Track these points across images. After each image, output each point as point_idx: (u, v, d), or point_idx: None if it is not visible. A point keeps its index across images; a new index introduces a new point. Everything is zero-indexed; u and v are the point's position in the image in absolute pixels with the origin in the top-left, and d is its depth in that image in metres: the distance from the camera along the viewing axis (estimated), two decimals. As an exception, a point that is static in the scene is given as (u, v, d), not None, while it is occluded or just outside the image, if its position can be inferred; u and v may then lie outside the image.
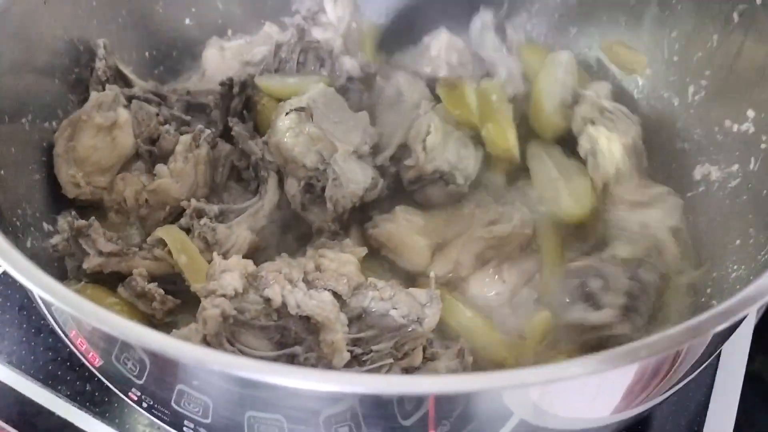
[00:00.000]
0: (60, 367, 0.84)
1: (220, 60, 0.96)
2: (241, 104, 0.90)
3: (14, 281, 0.87)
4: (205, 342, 0.59)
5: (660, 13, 0.94)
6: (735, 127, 0.84)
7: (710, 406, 0.83)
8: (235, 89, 0.89)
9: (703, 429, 0.81)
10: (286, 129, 0.79)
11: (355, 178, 0.78)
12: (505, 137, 0.85)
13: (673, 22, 0.93)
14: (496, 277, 0.78)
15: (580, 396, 0.57)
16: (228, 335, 0.60)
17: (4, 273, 0.89)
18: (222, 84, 0.89)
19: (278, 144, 0.80)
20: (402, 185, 0.86)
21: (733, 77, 0.85)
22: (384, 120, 0.89)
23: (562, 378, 0.49)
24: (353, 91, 0.93)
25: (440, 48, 0.97)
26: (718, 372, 0.87)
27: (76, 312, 0.54)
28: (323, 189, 0.78)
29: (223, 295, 0.63)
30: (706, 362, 0.66)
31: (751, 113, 0.81)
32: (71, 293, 0.55)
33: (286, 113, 0.80)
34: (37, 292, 0.57)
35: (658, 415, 0.82)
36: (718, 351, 0.74)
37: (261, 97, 0.90)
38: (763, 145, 0.79)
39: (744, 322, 0.57)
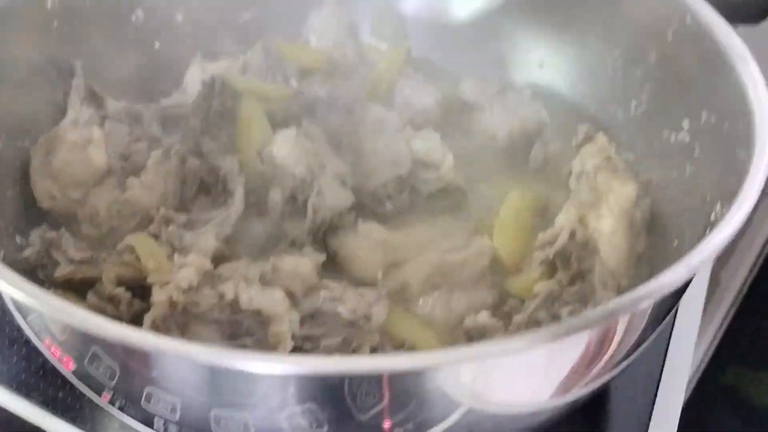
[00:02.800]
0: (33, 375, 0.87)
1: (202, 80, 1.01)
2: (220, 104, 0.94)
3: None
4: (155, 326, 0.63)
5: (603, 32, 1.00)
6: (672, 137, 0.89)
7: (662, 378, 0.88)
8: (217, 87, 0.94)
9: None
10: (284, 139, 0.86)
11: (338, 196, 0.84)
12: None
13: (616, 41, 0.99)
14: (443, 303, 0.80)
15: (521, 375, 0.61)
16: (179, 324, 0.64)
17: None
18: (204, 84, 0.94)
19: (272, 153, 0.85)
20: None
21: (668, 90, 0.91)
22: (370, 146, 0.93)
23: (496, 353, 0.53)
24: (329, 113, 0.98)
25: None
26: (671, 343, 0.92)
27: (43, 307, 0.58)
28: (305, 202, 0.83)
29: (177, 287, 0.67)
30: (651, 336, 0.71)
31: (685, 124, 0.87)
32: (38, 289, 0.59)
33: (288, 128, 0.87)
34: (8, 291, 0.61)
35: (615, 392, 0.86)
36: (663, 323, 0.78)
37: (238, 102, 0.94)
38: (696, 153, 0.85)
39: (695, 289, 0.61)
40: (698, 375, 1.13)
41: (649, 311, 0.64)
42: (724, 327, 1.43)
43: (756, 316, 1.42)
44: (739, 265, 1.31)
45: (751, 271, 1.31)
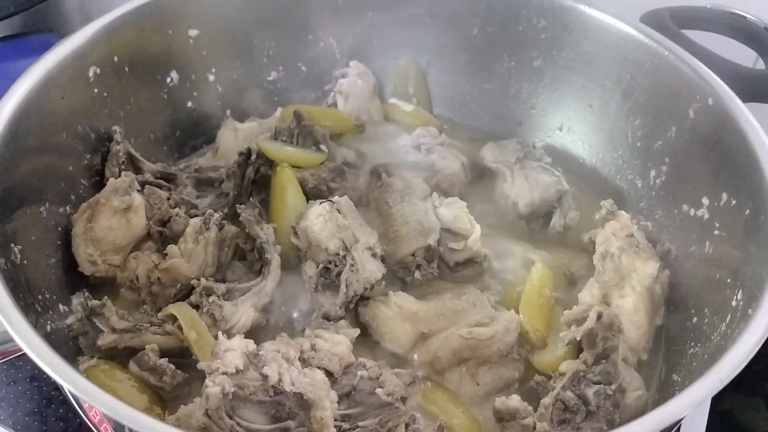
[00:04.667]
0: (70, 436, 0.90)
1: (233, 139, 1.06)
2: (254, 173, 0.99)
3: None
4: (207, 416, 0.66)
5: (624, 102, 1.03)
6: (692, 212, 0.92)
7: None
8: (253, 157, 0.98)
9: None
10: (317, 215, 0.89)
11: (370, 268, 0.87)
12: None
13: (636, 112, 1.02)
14: (470, 377, 0.83)
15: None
16: (228, 409, 0.67)
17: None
18: (240, 153, 0.98)
19: (307, 228, 0.88)
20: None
21: (688, 166, 0.94)
22: (398, 212, 0.96)
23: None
24: (358, 177, 1.02)
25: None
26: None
27: (94, 401, 0.61)
28: (338, 275, 0.86)
29: (225, 373, 0.70)
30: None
31: (705, 201, 0.90)
32: (80, 377, 0.62)
33: (320, 203, 0.90)
34: (56, 379, 0.63)
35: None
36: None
37: (273, 169, 0.98)
38: (716, 231, 0.87)
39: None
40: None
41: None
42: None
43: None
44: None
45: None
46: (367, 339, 0.87)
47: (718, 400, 1.48)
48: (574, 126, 1.11)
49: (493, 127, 1.15)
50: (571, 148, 1.12)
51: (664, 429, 0.66)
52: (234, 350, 0.70)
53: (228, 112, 1.13)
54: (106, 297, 0.84)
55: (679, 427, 0.93)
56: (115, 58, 0.97)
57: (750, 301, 0.72)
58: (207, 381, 0.67)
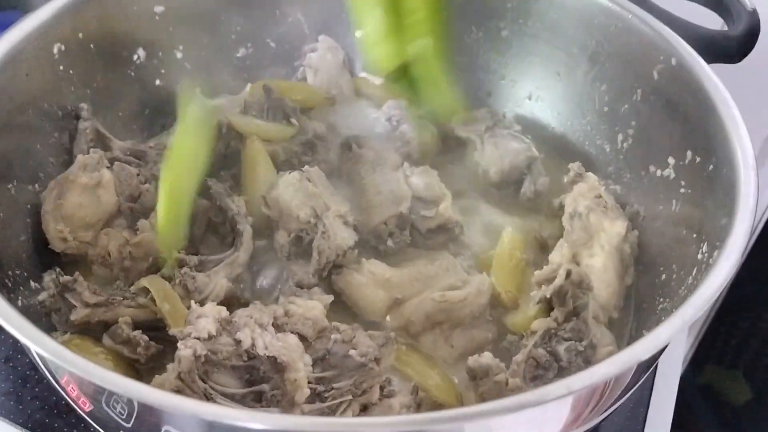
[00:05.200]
0: (47, 414, 0.89)
1: (203, 117, 1.04)
2: (225, 146, 0.99)
3: (-1, 335, 0.94)
4: (179, 379, 0.66)
5: (590, 68, 1.04)
6: (658, 172, 0.94)
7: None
8: (223, 131, 0.98)
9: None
10: (287, 184, 0.89)
11: (342, 236, 0.88)
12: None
13: (602, 77, 1.03)
14: (444, 340, 0.84)
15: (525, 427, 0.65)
16: (201, 374, 0.67)
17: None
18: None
19: (277, 197, 0.89)
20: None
21: (654, 127, 0.95)
22: (370, 182, 0.97)
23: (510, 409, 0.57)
24: (329, 150, 1.02)
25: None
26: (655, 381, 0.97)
27: (69, 366, 0.61)
28: (310, 243, 0.87)
29: (197, 338, 0.70)
30: (640, 381, 0.75)
31: (671, 160, 0.91)
32: (63, 349, 0.62)
33: (290, 173, 0.90)
34: (32, 347, 0.63)
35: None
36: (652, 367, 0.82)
37: (243, 143, 0.98)
38: (682, 189, 0.89)
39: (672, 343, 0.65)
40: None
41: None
42: (704, 329, 1.49)
43: (731, 317, 1.47)
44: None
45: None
46: (341, 307, 0.87)
47: (698, 373, 1.51)
48: (543, 94, 1.12)
49: (463, 98, 1.15)
50: (540, 117, 1.13)
51: (633, 375, 0.68)
52: (206, 316, 0.71)
53: (197, 89, 1.12)
54: (77, 273, 0.84)
55: (648, 403, 0.95)
56: (80, 35, 0.96)
57: (712, 251, 0.73)
58: (179, 344, 0.68)
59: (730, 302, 1.40)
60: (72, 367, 0.61)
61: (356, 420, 0.69)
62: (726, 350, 1.55)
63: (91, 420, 0.75)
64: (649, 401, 0.94)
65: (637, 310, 0.91)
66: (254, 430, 0.57)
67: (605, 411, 0.71)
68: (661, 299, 0.85)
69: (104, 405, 0.68)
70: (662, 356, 0.95)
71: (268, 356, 0.70)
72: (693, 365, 1.54)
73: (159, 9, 1.04)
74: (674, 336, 0.61)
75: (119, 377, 0.59)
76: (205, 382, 0.68)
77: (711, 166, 0.82)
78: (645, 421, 0.92)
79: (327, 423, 0.58)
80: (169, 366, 0.68)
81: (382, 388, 0.74)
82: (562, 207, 0.96)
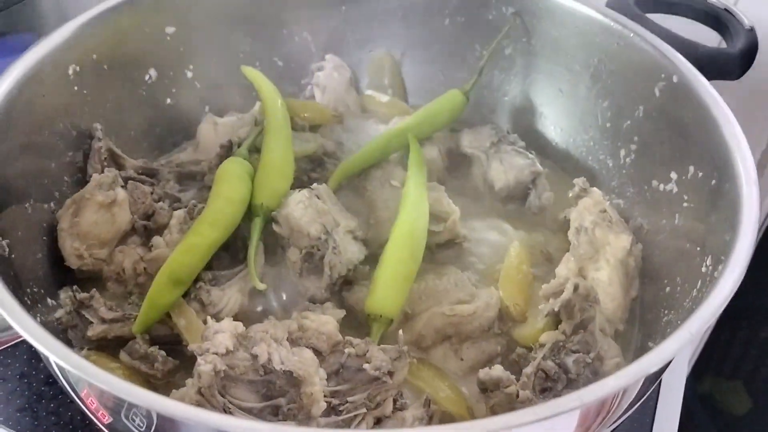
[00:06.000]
0: (62, 430, 0.90)
1: (213, 134, 1.07)
2: None
3: (13, 352, 0.95)
4: (199, 394, 0.68)
5: (593, 85, 1.06)
6: (661, 187, 0.96)
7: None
8: (234, 148, 1.01)
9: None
10: (297, 202, 0.91)
11: (351, 250, 0.90)
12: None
13: (604, 94, 1.05)
14: (454, 353, 0.86)
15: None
16: (219, 388, 0.69)
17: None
18: (222, 146, 1.01)
19: (288, 215, 0.90)
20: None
21: (656, 143, 0.97)
22: (379, 198, 0.99)
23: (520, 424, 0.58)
24: (333, 168, 1.03)
25: None
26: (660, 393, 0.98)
27: (90, 378, 0.62)
28: (321, 259, 0.88)
29: (216, 353, 0.72)
30: (647, 393, 0.76)
31: (673, 175, 0.93)
32: (85, 361, 0.64)
33: (299, 191, 0.92)
34: (54, 360, 0.65)
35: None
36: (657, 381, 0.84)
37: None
38: (684, 204, 0.91)
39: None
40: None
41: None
42: (704, 340, 1.50)
43: (730, 327, 1.49)
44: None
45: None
46: (353, 322, 0.89)
47: (699, 383, 1.52)
48: (546, 111, 1.14)
49: (467, 115, 1.17)
50: (543, 133, 1.15)
51: (641, 388, 0.69)
52: (223, 332, 0.72)
53: (207, 107, 1.14)
54: (94, 289, 0.86)
55: (654, 414, 0.97)
56: (94, 56, 0.98)
57: (717, 264, 0.75)
58: (198, 360, 0.69)
59: (730, 312, 1.41)
60: (94, 379, 0.62)
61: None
62: (726, 360, 1.56)
63: (109, 432, 0.76)
64: (654, 412, 0.96)
65: (642, 322, 0.92)
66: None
67: (612, 424, 0.73)
68: (666, 311, 0.86)
69: (123, 417, 0.70)
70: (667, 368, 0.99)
71: (284, 371, 0.71)
72: (693, 376, 1.55)
73: (170, 30, 1.07)
74: (682, 349, 0.62)
75: (141, 390, 0.60)
76: (223, 397, 0.69)
77: (713, 181, 0.84)
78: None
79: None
80: (188, 381, 0.70)
81: (394, 401, 0.76)
82: (567, 221, 0.98)
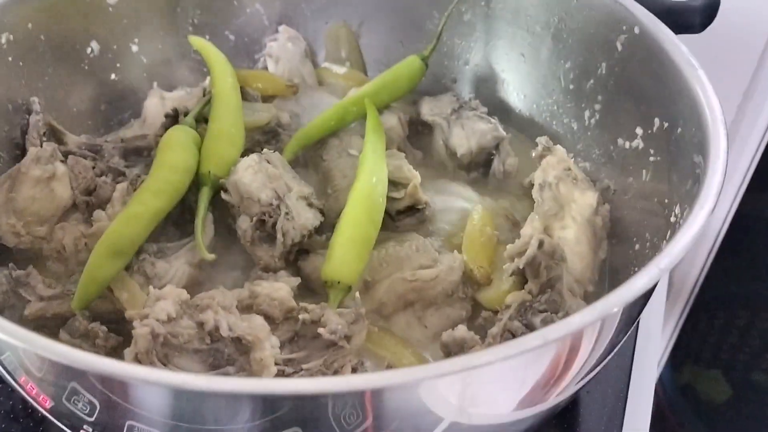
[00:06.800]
0: (3, 420, 0.85)
1: (161, 108, 1.02)
2: None
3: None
4: (137, 360, 0.63)
5: (554, 47, 1.03)
6: (627, 144, 0.92)
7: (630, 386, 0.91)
8: (180, 117, 0.96)
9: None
10: (246, 167, 0.86)
11: (305, 215, 0.85)
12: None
13: (566, 54, 1.02)
14: (418, 321, 0.82)
15: (501, 386, 0.62)
16: (161, 357, 0.64)
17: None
18: (167, 115, 0.96)
19: (237, 181, 0.85)
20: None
21: (620, 99, 0.94)
22: (336, 168, 0.95)
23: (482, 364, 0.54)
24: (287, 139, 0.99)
25: None
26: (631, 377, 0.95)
27: (24, 344, 0.57)
28: (273, 226, 0.84)
29: (156, 319, 0.67)
30: (621, 342, 0.73)
31: (639, 130, 0.90)
32: (15, 326, 0.59)
33: (248, 156, 0.87)
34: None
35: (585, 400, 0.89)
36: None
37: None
38: (651, 158, 0.88)
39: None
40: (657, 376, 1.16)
41: (621, 316, 0.66)
42: (678, 328, 1.48)
43: (707, 316, 1.47)
44: (690, 266, 1.36)
45: (701, 271, 1.35)
46: (310, 294, 0.84)
47: (678, 374, 1.50)
48: (508, 77, 1.11)
49: (429, 86, 1.13)
50: (506, 100, 1.11)
51: (614, 333, 0.66)
52: (165, 299, 0.67)
53: (155, 84, 1.10)
54: (30, 266, 0.80)
55: (626, 397, 0.93)
56: (29, 25, 0.93)
57: (685, 211, 0.71)
58: (134, 323, 0.64)
59: (705, 301, 1.40)
60: (25, 344, 0.57)
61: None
62: (703, 350, 1.55)
63: (54, 417, 0.71)
64: (626, 394, 0.93)
65: (613, 284, 0.89)
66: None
67: (587, 375, 0.69)
68: (636, 269, 0.82)
69: (65, 401, 0.65)
70: (638, 350, 0.95)
71: (232, 338, 0.67)
72: (673, 367, 1.53)
73: (112, 0, 1.02)
74: (650, 285, 0.59)
75: (73, 350, 0.55)
76: (165, 366, 0.64)
77: (679, 129, 0.81)
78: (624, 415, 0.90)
79: (290, 383, 0.54)
80: (126, 350, 0.65)
81: (354, 369, 0.71)
82: (532, 185, 0.94)
